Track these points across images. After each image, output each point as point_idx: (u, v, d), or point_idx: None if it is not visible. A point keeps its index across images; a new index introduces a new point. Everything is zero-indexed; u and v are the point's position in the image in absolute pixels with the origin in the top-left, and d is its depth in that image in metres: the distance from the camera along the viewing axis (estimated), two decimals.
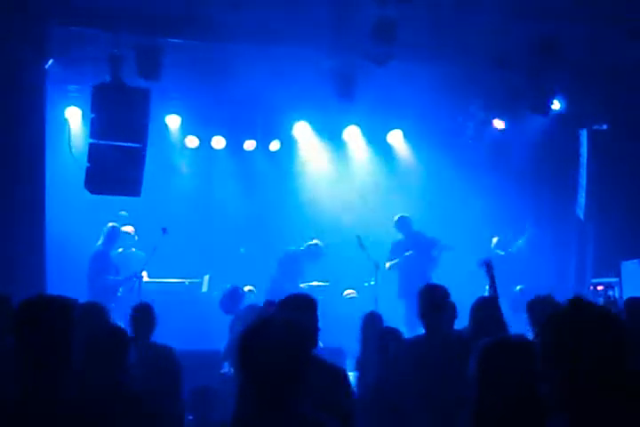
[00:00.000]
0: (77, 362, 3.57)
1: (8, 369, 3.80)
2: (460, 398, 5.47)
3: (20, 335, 3.42)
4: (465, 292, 7.66)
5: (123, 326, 5.82)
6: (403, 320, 11.04)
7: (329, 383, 4.49)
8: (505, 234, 13.82)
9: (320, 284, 13.23)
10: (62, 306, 3.54)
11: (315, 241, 13.18)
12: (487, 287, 7.88)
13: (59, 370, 3.39)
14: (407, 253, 12.80)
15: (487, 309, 6.53)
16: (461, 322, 6.63)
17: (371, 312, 7.81)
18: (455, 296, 6.35)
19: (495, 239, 13.62)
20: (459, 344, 5.94)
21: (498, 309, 6.52)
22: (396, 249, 12.95)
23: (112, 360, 4.67)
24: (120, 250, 12.27)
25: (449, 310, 6.12)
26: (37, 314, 3.44)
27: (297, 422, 3.05)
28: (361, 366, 6.89)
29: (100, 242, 11.91)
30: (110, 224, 12.06)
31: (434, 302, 5.98)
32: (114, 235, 12.05)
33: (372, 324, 7.34)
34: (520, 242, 13.86)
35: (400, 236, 13.09)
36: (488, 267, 7.72)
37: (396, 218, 13.08)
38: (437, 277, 12.38)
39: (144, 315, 6.90)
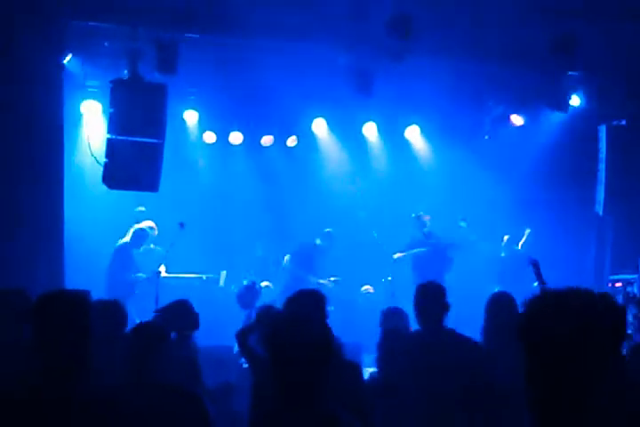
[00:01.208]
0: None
1: (21, 359, 3.81)
2: (457, 393, 5.54)
3: (37, 329, 3.43)
4: (478, 287, 7.67)
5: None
6: None
7: (346, 379, 4.50)
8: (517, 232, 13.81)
9: (337, 279, 13.23)
10: (81, 300, 3.56)
11: (327, 230, 13.19)
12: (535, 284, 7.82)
13: (75, 364, 3.40)
14: (421, 250, 12.73)
15: (505, 305, 6.52)
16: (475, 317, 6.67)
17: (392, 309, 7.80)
18: (468, 291, 6.38)
19: (506, 237, 13.59)
20: (454, 340, 5.99)
21: (515, 306, 6.50)
22: (413, 245, 12.91)
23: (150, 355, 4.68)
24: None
25: (444, 308, 6.09)
26: (56, 308, 3.46)
27: (322, 418, 3.06)
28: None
29: (125, 239, 11.97)
30: (139, 226, 12.14)
31: (429, 299, 6.00)
32: (142, 236, 12.11)
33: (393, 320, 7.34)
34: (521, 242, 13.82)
35: (418, 233, 13.04)
36: (535, 266, 7.69)
37: (413, 215, 13.04)
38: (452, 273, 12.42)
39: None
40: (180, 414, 4.29)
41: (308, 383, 3.06)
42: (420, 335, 6.06)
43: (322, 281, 12.80)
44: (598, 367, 2.37)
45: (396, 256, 12.72)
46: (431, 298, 6.04)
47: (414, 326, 7.07)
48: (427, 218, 13.04)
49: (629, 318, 8.69)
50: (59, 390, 3.31)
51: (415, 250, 12.82)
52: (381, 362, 6.15)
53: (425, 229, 12.99)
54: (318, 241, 13.15)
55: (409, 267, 12.84)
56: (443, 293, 6.10)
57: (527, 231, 13.74)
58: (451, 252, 12.86)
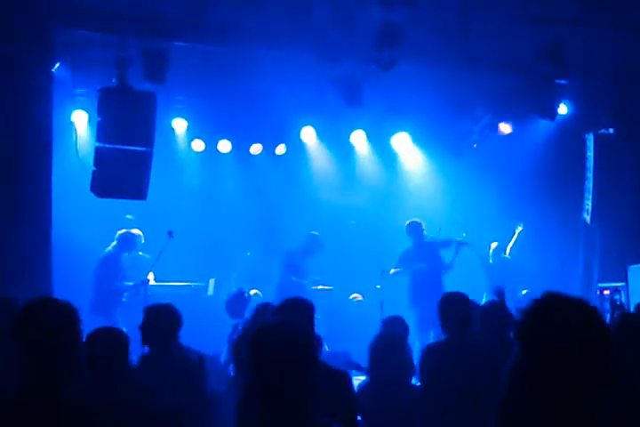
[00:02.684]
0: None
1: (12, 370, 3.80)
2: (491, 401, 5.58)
3: (22, 337, 3.42)
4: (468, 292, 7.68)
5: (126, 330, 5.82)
6: (413, 328, 11.03)
7: (332, 387, 4.50)
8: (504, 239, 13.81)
9: (326, 287, 13.21)
10: (67, 308, 3.55)
11: (312, 233, 13.13)
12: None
13: (60, 372, 3.39)
14: (418, 266, 12.57)
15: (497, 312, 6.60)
16: None
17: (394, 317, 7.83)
18: None
19: (494, 245, 13.60)
20: (485, 349, 6.06)
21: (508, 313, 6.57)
22: (405, 258, 12.65)
23: (109, 361, 4.68)
24: (126, 254, 12.27)
25: (469, 316, 6.21)
26: (41, 316, 3.45)
27: (301, 424, 3.07)
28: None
29: (111, 246, 11.91)
30: (124, 230, 12.08)
31: (460, 315, 6.15)
32: (130, 240, 12.05)
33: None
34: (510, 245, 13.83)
35: (409, 243, 12.78)
36: (499, 296, 7.77)
37: (406, 223, 12.91)
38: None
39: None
40: None
41: (289, 389, 3.07)
42: (447, 344, 6.18)
43: (318, 287, 12.82)
44: (591, 372, 2.39)
45: (392, 271, 12.56)
46: (456, 307, 6.14)
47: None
48: (424, 226, 12.83)
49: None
50: (47, 395, 3.31)
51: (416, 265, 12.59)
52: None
53: (425, 235, 12.78)
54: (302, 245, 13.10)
55: (400, 276, 12.73)
56: (466, 301, 6.26)
57: (519, 229, 13.71)
58: (450, 251, 12.73)
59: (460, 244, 12.68)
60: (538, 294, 2.61)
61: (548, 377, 2.39)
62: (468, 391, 5.66)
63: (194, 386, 6.10)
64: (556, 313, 2.45)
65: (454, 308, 6.18)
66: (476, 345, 6.15)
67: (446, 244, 12.70)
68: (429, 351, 6.31)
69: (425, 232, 12.70)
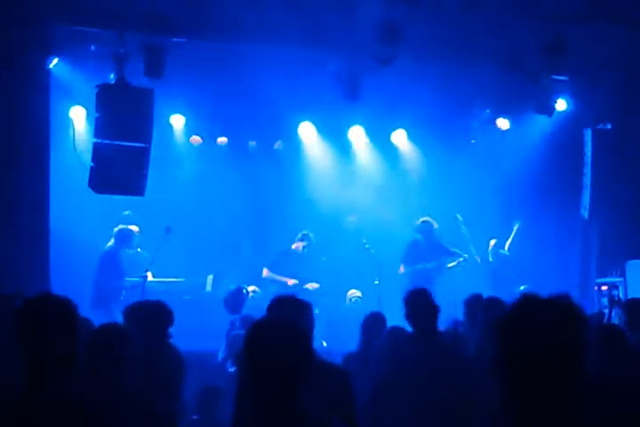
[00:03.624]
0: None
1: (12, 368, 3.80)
2: (453, 398, 5.60)
3: (21, 334, 3.42)
4: (465, 290, 7.71)
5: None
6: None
7: (332, 384, 4.51)
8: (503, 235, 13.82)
9: (321, 285, 13.16)
10: (66, 305, 3.55)
11: (303, 232, 13.12)
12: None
13: (59, 369, 3.39)
14: (430, 264, 12.66)
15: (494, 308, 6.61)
16: None
17: (374, 313, 7.86)
18: (457, 293, 6.51)
19: (493, 241, 13.60)
20: (447, 343, 6.08)
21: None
22: (412, 252, 12.78)
23: (111, 358, 4.66)
24: (126, 250, 12.25)
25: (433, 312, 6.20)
26: (41, 313, 3.45)
27: (298, 420, 3.07)
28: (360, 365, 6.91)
29: (110, 243, 11.89)
30: (121, 226, 12.05)
31: (419, 305, 6.13)
32: (127, 236, 12.02)
33: (376, 324, 7.43)
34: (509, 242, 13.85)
35: (419, 239, 12.89)
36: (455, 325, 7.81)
37: (418, 222, 12.93)
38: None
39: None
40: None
41: (285, 386, 3.07)
42: (415, 339, 6.18)
43: (307, 286, 12.77)
44: (571, 373, 2.39)
45: (402, 270, 12.64)
46: (424, 301, 6.15)
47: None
48: (435, 226, 12.90)
49: (615, 320, 8.74)
50: (45, 393, 3.31)
51: (429, 264, 12.65)
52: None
53: (435, 236, 12.82)
54: (294, 245, 13.07)
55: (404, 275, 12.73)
56: (432, 296, 6.23)
57: (516, 226, 13.72)
58: (448, 261, 12.84)
59: (455, 255, 12.78)
60: (536, 289, 2.63)
61: (518, 378, 2.40)
62: (431, 387, 5.67)
63: (171, 386, 6.03)
64: (529, 316, 2.47)
65: (412, 302, 6.18)
66: (438, 340, 6.16)
67: (447, 253, 12.76)
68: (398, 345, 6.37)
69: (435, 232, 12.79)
